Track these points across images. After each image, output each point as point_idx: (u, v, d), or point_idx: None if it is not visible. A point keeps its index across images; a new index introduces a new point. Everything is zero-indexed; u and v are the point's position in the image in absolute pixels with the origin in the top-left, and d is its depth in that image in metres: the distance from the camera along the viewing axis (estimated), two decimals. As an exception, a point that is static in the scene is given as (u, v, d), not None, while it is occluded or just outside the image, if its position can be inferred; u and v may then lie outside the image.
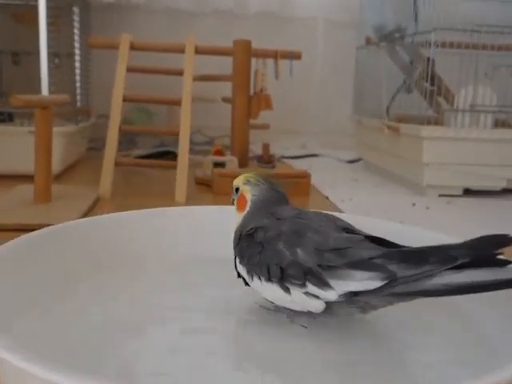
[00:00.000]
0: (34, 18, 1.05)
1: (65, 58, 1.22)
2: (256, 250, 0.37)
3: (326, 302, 0.34)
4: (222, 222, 0.50)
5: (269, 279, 0.36)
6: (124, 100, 0.99)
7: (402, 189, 1.09)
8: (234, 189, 0.45)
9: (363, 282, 0.32)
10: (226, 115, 1.18)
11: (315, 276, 0.34)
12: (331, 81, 1.72)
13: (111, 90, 0.99)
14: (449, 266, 0.30)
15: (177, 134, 0.97)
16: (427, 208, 0.93)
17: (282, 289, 0.35)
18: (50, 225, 0.69)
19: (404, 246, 0.35)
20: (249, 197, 0.43)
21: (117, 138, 0.96)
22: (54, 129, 0.87)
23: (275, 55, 1.13)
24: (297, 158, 1.50)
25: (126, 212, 0.54)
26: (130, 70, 1.02)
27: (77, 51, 1.30)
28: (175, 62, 1.08)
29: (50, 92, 1.13)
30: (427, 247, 0.32)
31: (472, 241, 0.31)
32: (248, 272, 0.38)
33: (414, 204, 0.96)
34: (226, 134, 1.46)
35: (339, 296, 0.33)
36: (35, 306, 0.38)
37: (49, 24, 1.07)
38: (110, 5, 1.57)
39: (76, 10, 1.31)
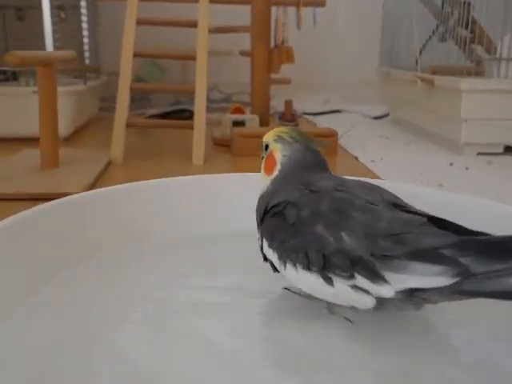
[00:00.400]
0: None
1: (70, 10, 1.14)
2: (289, 233, 0.31)
3: (378, 298, 0.28)
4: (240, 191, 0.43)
5: (307, 268, 0.30)
6: (135, 56, 0.91)
7: (436, 147, 1.01)
8: (264, 145, 0.38)
9: (429, 277, 0.26)
10: (245, 70, 1.09)
11: (367, 267, 0.27)
12: (356, 30, 1.61)
13: (122, 45, 0.91)
14: None
15: (192, 92, 0.89)
16: (467, 168, 0.85)
17: (324, 280, 0.29)
18: (54, 193, 0.64)
19: (479, 233, 0.28)
20: (279, 157, 0.36)
21: (128, 97, 0.88)
22: (61, 88, 0.81)
23: (297, 3, 1.03)
24: (320, 114, 1.42)
25: (131, 184, 0.47)
26: (139, 22, 0.93)
27: (83, 3, 1.21)
28: (189, 13, 1.00)
29: (56, 48, 1.06)
30: (510, 236, 0.25)
31: None
32: (280, 257, 0.32)
33: (451, 164, 0.88)
34: (245, 91, 1.39)
35: (396, 293, 0.27)
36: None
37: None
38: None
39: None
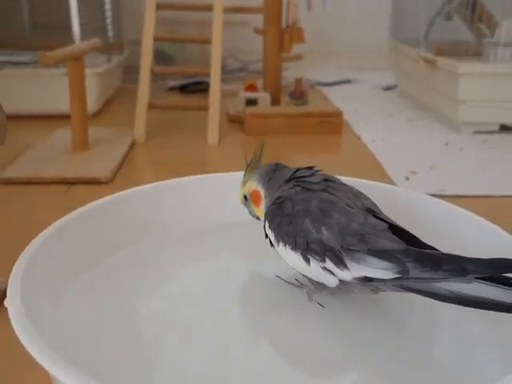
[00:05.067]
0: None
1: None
2: (285, 220, 0.40)
3: (340, 280, 0.37)
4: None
5: (294, 249, 0.39)
6: (155, 39, 0.99)
7: (436, 124, 1.08)
8: (243, 197, 0.46)
9: (378, 270, 0.34)
10: (260, 39, 1.15)
11: (335, 255, 0.36)
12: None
13: (143, 13, 0.98)
14: (458, 278, 0.32)
15: (208, 74, 0.97)
16: (461, 149, 0.92)
17: (304, 259, 0.38)
18: (86, 178, 0.73)
19: (426, 245, 0.36)
20: (255, 185, 0.44)
21: (149, 80, 0.96)
22: (87, 70, 0.88)
23: (308, -16, 1.09)
24: (331, 84, 1.48)
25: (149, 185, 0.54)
26: (159, 7, 1.00)
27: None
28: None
29: (81, 24, 1.13)
30: (444, 254, 0.34)
31: (490, 260, 0.32)
32: (276, 237, 0.40)
33: (446, 143, 0.95)
34: (261, 58, 1.45)
35: (353, 278, 0.36)
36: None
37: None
38: None
39: None
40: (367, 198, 0.41)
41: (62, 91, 0.90)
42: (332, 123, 1.01)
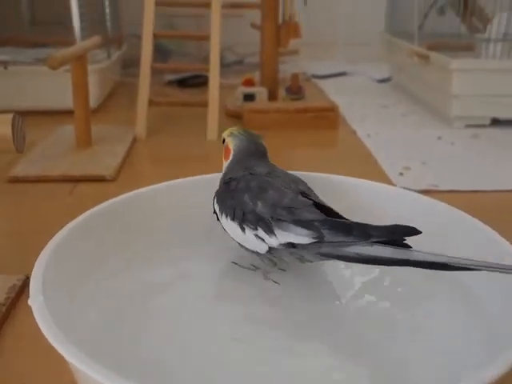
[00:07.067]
0: None
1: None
2: (228, 196, 0.45)
3: (270, 247, 0.42)
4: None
5: (233, 219, 0.44)
6: (155, 37, 1.01)
7: (429, 118, 1.10)
8: (222, 140, 0.52)
9: (299, 236, 0.39)
10: (257, 32, 1.17)
11: (266, 224, 0.41)
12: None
13: (141, 6, 1.00)
14: (363, 241, 0.37)
15: (207, 71, 0.99)
16: (452, 144, 0.95)
17: (240, 228, 0.43)
18: (91, 175, 0.76)
19: (341, 216, 0.41)
20: (232, 147, 0.50)
21: (149, 78, 0.98)
22: (88, 67, 0.90)
23: (304, -20, 1.11)
24: (327, 77, 1.50)
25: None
26: (158, 3, 1.02)
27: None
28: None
29: (81, 16, 1.14)
30: (354, 222, 0.39)
31: (391, 226, 0.37)
32: (220, 210, 0.46)
33: (439, 138, 0.98)
34: (257, 51, 1.46)
35: (279, 244, 0.41)
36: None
37: None
38: None
39: None
40: (305, 185, 0.47)
41: (63, 87, 0.92)
42: (328, 118, 1.03)
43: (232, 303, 0.44)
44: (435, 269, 0.35)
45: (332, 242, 0.38)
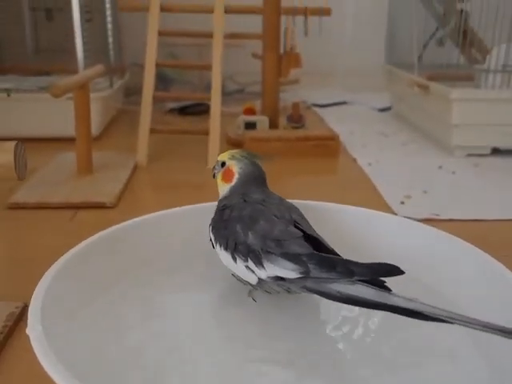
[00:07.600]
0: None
1: (96, 13, 1.23)
2: (222, 225, 0.46)
3: (259, 278, 0.42)
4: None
5: (226, 249, 0.45)
6: (157, 66, 1.02)
7: (430, 147, 1.11)
8: (220, 163, 0.52)
9: (286, 270, 0.39)
10: (257, 61, 1.18)
11: (256, 256, 0.41)
12: (365, 27, 1.68)
13: (143, 36, 1.01)
14: (346, 279, 0.36)
15: (209, 100, 1.00)
16: (453, 173, 0.95)
17: (232, 258, 0.44)
18: (92, 202, 0.76)
19: (331, 250, 0.42)
20: (236, 170, 0.50)
21: (151, 106, 0.99)
22: (90, 95, 0.90)
23: (304, 12, 1.12)
24: (327, 106, 1.51)
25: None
26: (161, 34, 1.04)
27: (107, 5, 1.31)
28: (204, 25, 1.09)
29: (84, 45, 1.16)
30: (339, 258, 0.39)
31: (375, 264, 0.36)
32: (214, 239, 0.47)
33: (440, 167, 0.98)
34: (258, 80, 1.48)
35: (268, 277, 0.41)
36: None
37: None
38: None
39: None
40: (299, 213, 0.47)
41: (65, 115, 0.93)
42: (329, 147, 1.04)
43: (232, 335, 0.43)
44: (411, 317, 0.34)
45: (317, 278, 0.38)
